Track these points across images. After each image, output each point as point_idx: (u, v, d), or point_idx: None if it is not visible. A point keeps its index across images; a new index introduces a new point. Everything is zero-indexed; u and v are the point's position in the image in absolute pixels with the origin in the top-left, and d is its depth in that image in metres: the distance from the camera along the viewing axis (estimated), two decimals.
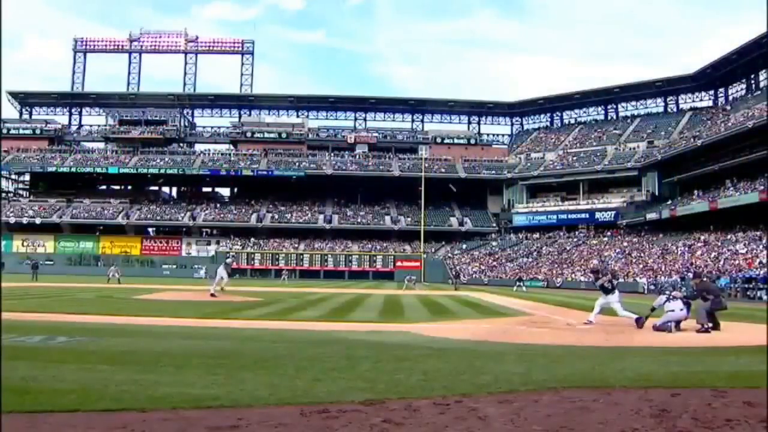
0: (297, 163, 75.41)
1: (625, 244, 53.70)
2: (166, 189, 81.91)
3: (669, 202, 54.95)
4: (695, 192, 51.59)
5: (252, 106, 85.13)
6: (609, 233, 59.85)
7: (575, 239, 62.26)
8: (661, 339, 10.62)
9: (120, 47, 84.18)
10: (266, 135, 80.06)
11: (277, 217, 73.25)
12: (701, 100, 69.99)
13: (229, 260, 25.56)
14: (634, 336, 11.20)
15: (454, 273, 49.28)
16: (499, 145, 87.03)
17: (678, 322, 11.79)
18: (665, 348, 9.38)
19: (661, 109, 73.23)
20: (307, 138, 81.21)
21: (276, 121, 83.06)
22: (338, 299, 24.92)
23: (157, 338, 9.86)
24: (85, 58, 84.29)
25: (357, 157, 78.10)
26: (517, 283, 39.69)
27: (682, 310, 11.80)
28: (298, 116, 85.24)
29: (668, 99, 72.65)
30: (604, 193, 65.99)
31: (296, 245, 70.28)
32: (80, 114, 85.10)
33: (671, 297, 12.23)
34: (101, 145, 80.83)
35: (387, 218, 74.18)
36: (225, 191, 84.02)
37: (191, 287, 32.27)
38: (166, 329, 11.48)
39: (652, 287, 36.55)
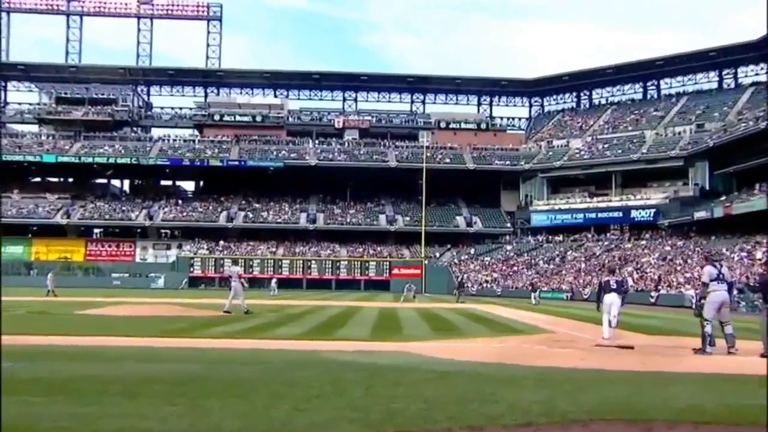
0: (275, 152, 75.43)
1: (668, 248, 53.81)
2: (116, 182, 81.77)
3: (723, 198, 54.70)
4: (756, 186, 50.65)
5: (220, 84, 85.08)
6: (648, 235, 60.08)
7: (606, 242, 62.51)
8: (712, 364, 10.57)
9: (55, 7, 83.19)
10: (238, 118, 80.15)
11: (251, 216, 73.22)
12: (766, 73, 68.25)
13: (234, 269, 25.66)
14: (679, 360, 11.22)
15: (458, 282, 49.32)
16: (515, 131, 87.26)
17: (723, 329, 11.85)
18: (717, 375, 9.28)
19: (714, 85, 73.39)
20: (287, 122, 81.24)
21: (249, 102, 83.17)
22: (324, 313, 24.88)
23: (105, 362, 9.81)
24: (9, 19, 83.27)
25: (346, 144, 78.18)
26: (533, 294, 39.83)
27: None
28: (275, 96, 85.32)
29: (724, 72, 72.67)
30: (641, 188, 66.29)
31: (274, 249, 70.25)
32: (4, 89, 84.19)
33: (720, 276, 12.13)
34: (34, 128, 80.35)
35: (382, 217, 74.25)
36: (188, 185, 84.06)
37: (148, 300, 32.16)
38: (115, 351, 11.43)
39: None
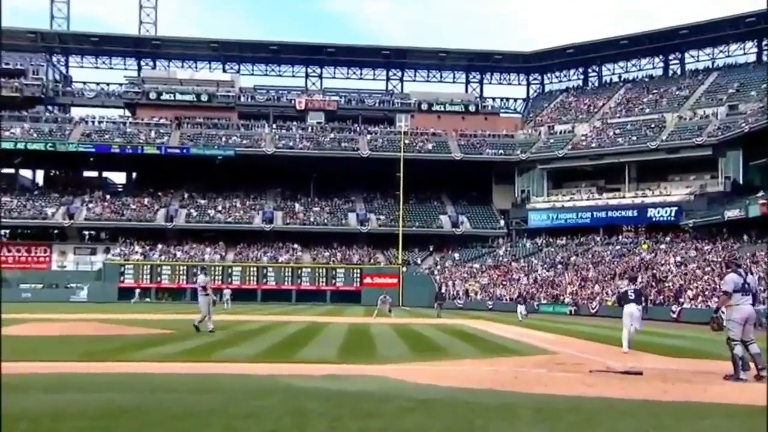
0: (224, 138, 75.12)
1: (693, 253, 54.29)
2: (26, 173, 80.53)
3: (760, 194, 54.66)
4: None
5: (157, 55, 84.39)
6: (668, 238, 60.62)
7: (618, 247, 63.05)
8: (746, 392, 10.61)
9: None
10: (179, 97, 79.70)
11: (195, 214, 72.79)
12: None
13: (201, 277, 24.36)
14: (707, 387, 11.29)
15: (436, 293, 49.48)
16: (510, 114, 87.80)
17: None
18: (752, 407, 9.17)
19: (751, 58, 73.90)
20: (239, 102, 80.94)
21: (193, 78, 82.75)
22: (283, 330, 24.85)
23: (10, 393, 9.62)
24: None
25: (309, 129, 78.05)
26: (519, 306, 39.71)
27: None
28: (224, 71, 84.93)
29: (763, 43, 73.12)
30: (661, 182, 67.06)
31: (223, 253, 69.96)
32: None
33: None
34: None
35: (352, 216, 74.27)
36: (118, 177, 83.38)
37: (67, 316, 31.70)
38: (24, 380, 11.19)
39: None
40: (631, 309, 18.05)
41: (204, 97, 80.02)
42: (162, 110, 78.08)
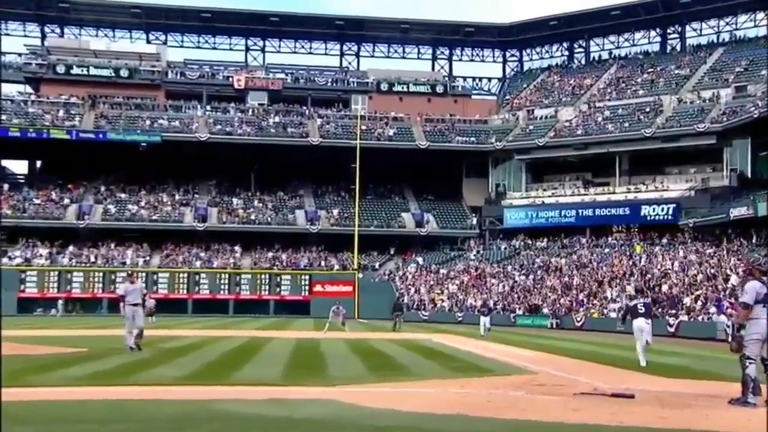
0: (148, 121, 74.30)
1: (693, 257, 54.65)
2: None
3: None
4: None
5: (65, 21, 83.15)
6: (664, 240, 61.23)
7: (607, 249, 63.53)
8: (755, 420, 10.60)
9: None
10: (93, 71, 78.64)
11: (113, 210, 71.90)
12: None
13: (123, 286, 23.66)
14: (711, 413, 11.37)
15: (394, 303, 49.38)
16: (484, 96, 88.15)
17: None
18: None
19: (762, 32, 73.76)
20: (166, 79, 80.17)
21: (110, 49, 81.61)
22: (217, 347, 24.76)
23: None
24: None
25: (250, 112, 77.68)
26: (482, 318, 39.09)
27: None
28: (148, 41, 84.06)
29: None
30: (656, 175, 67.69)
31: (147, 257, 69.21)
32: None
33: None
34: None
35: (299, 214, 74.02)
36: (18, 166, 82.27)
37: None
38: None
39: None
40: (641, 323, 19.27)
41: (124, 73, 78.93)
42: (72, 87, 76.89)
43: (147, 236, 70.69)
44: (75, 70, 78.34)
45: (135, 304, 22.26)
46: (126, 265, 66.31)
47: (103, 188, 74.69)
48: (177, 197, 74.57)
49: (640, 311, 19.45)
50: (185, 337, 30.34)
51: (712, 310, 41.01)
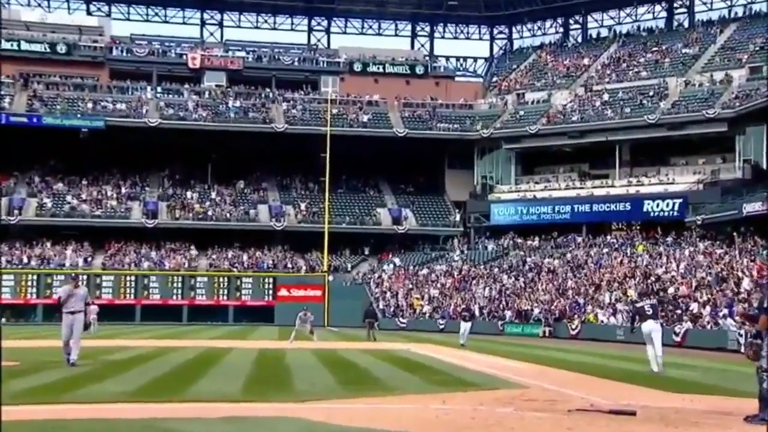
0: (90, 104, 73.89)
1: (701, 257, 54.75)
2: None
3: None
4: None
5: None
6: (669, 238, 61.35)
7: (606, 249, 63.67)
8: None
9: None
10: (25, 46, 77.99)
11: (49, 205, 71.44)
12: None
13: (63, 289, 23.04)
14: None
15: (367, 309, 49.45)
16: (469, 78, 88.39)
17: None
18: None
19: None
20: (110, 56, 79.78)
21: (45, 21, 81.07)
22: (168, 359, 24.67)
23: None
24: None
25: (206, 94, 77.44)
26: (463, 324, 39.00)
27: None
28: (90, 13, 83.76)
29: None
30: (661, 166, 67.97)
31: (89, 257, 68.83)
32: None
33: None
34: None
35: (262, 209, 73.89)
36: None
37: None
38: None
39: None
40: (651, 326, 20.39)
41: (61, 48, 78.37)
42: (2, 64, 76.14)
43: (88, 234, 70.24)
44: (4, 45, 77.25)
45: (75, 312, 21.84)
46: (64, 267, 65.94)
47: (37, 179, 74.04)
48: (123, 190, 74.13)
49: (648, 313, 20.46)
50: (132, 348, 30.22)
51: (723, 314, 41.17)
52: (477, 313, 53.91)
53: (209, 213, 72.70)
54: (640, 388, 17.29)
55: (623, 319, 45.00)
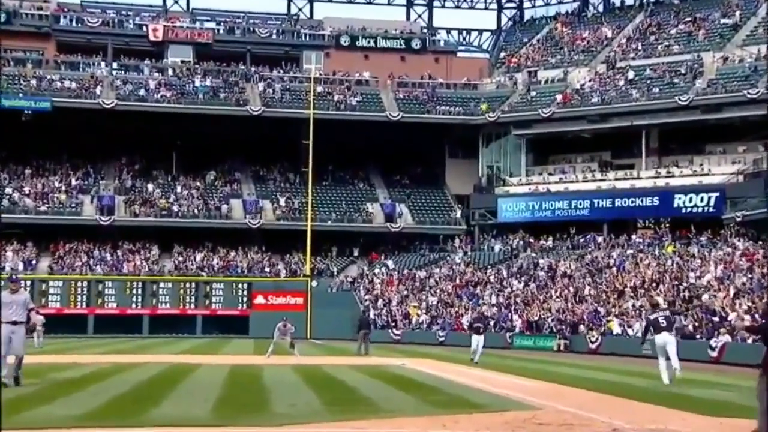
0: (34, 81, 73.92)
1: (741, 261, 55.01)
2: None
3: None
4: None
5: None
6: (703, 238, 61.30)
7: (631, 250, 63.71)
8: None
9: None
10: None
11: None
12: None
13: (11, 297, 22.90)
14: None
15: (361, 318, 49.50)
16: (473, 53, 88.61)
17: None
18: None
19: None
20: (57, 26, 79.97)
21: None
22: (126, 377, 24.58)
23: None
24: None
25: (171, 72, 77.66)
26: (474, 338, 39.01)
27: None
28: None
29: None
30: (694, 155, 68.14)
31: (33, 259, 68.84)
32: None
33: None
34: None
35: (236, 204, 74.02)
36: None
37: None
38: None
39: None
40: (665, 338, 21.74)
41: (0, 17, 78.32)
42: None
43: (33, 233, 70.26)
44: None
45: (15, 322, 21.69)
46: (4, 270, 65.81)
47: None
48: (73, 182, 74.26)
49: (662, 325, 21.95)
50: (85, 365, 30.03)
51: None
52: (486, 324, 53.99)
53: (174, 209, 72.67)
54: (668, 410, 17.33)
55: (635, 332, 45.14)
